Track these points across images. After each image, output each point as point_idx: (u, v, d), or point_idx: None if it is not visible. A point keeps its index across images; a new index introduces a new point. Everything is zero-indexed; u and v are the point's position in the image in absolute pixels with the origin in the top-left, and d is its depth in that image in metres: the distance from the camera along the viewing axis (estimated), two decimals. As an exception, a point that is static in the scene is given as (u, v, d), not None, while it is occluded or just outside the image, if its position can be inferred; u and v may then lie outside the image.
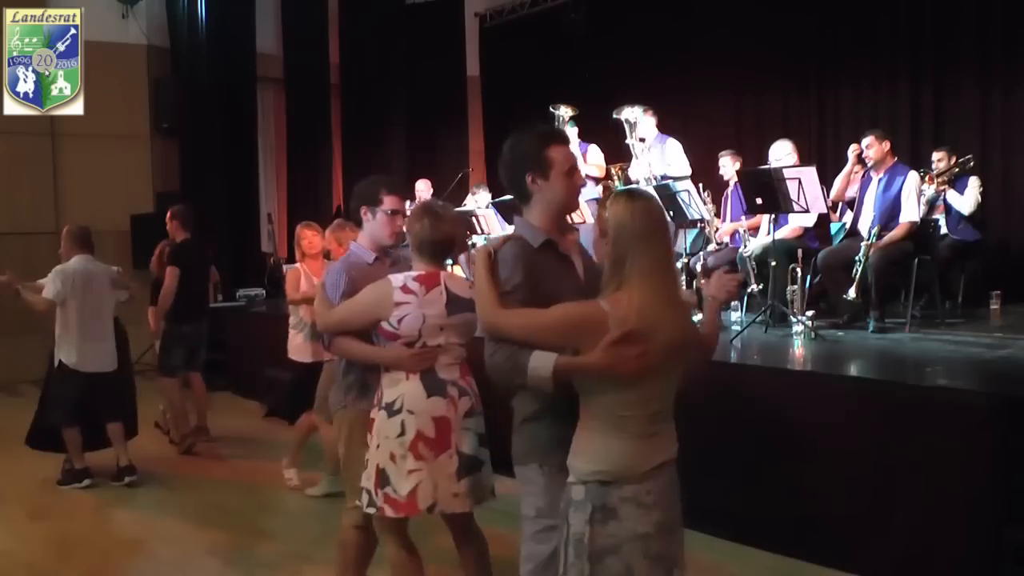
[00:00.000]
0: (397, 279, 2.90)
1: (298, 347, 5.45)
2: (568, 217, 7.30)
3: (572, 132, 7.61)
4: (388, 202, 3.18)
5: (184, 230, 6.37)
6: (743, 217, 6.61)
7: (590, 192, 7.49)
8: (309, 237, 5.51)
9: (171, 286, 6.12)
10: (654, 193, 6.32)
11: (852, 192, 6.07)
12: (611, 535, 2.15)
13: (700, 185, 6.66)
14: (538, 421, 2.43)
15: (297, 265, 5.52)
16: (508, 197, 8.03)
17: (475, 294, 2.45)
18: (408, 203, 9.30)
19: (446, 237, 2.94)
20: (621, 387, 2.15)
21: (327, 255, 5.46)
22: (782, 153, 6.15)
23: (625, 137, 7.12)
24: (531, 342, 2.21)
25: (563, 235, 2.55)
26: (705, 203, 6.66)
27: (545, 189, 2.46)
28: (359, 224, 3.30)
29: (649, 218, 2.19)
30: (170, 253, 6.31)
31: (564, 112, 7.56)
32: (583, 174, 7.51)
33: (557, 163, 2.45)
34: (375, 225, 3.21)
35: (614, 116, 7.15)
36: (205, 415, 6.49)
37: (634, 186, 2.39)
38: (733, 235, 6.87)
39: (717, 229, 6.80)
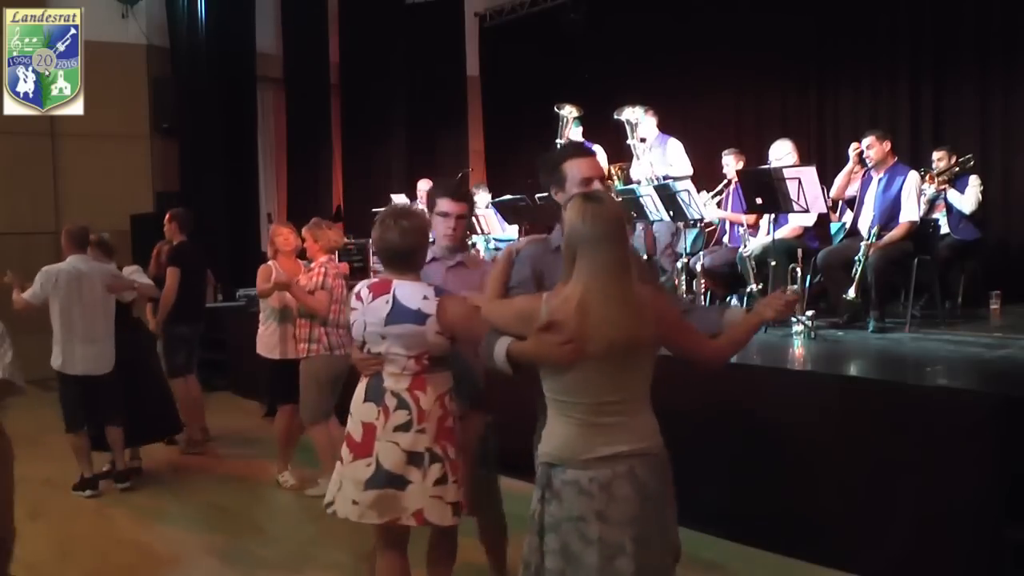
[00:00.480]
0: (359, 285, 2.97)
1: (266, 343, 5.48)
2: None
3: (576, 132, 7.61)
4: (440, 205, 3.24)
5: (182, 232, 6.39)
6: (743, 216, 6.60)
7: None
8: (284, 234, 5.55)
9: (172, 287, 6.14)
10: (652, 192, 6.34)
11: (852, 191, 6.06)
12: (552, 515, 2.30)
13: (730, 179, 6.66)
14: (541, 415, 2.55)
15: (270, 262, 5.57)
16: (508, 197, 8.07)
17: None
18: (412, 203, 9.35)
19: (389, 247, 2.90)
20: (556, 373, 2.32)
21: (302, 254, 5.54)
22: (782, 152, 6.16)
23: (626, 138, 7.11)
24: (504, 330, 2.43)
25: None
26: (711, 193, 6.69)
27: (564, 199, 2.71)
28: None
29: (599, 221, 2.30)
30: (169, 254, 6.33)
31: (569, 112, 7.54)
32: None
33: (570, 176, 2.73)
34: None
35: (615, 117, 7.15)
36: (203, 415, 6.50)
37: (593, 190, 2.50)
38: (732, 232, 6.85)
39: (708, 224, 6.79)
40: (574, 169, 2.72)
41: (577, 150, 2.87)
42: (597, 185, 2.73)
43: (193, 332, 6.44)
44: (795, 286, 5.53)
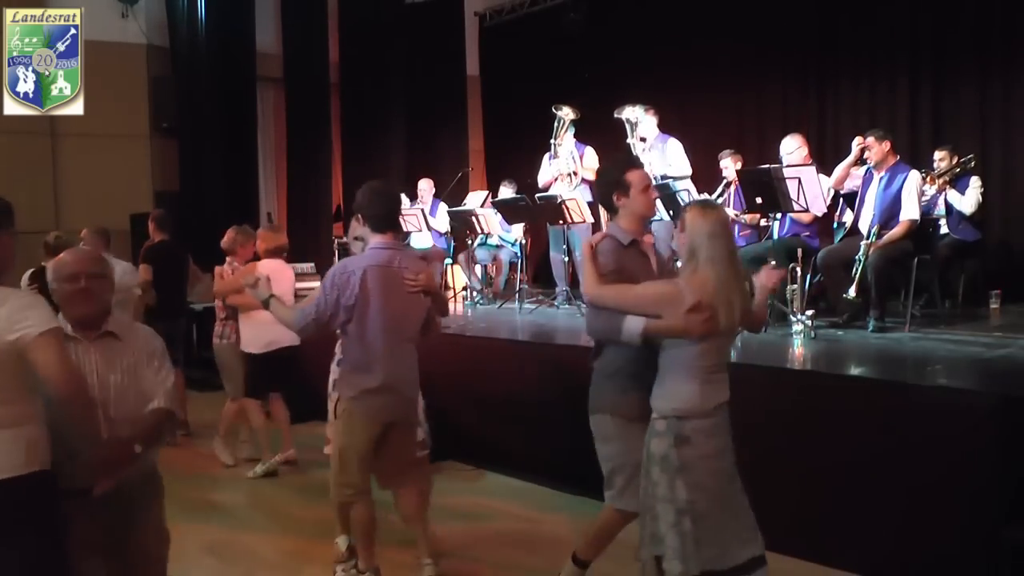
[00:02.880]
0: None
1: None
2: (569, 215, 7.31)
3: (569, 134, 7.61)
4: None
5: (161, 231, 6.57)
6: (743, 215, 6.59)
7: (585, 194, 7.48)
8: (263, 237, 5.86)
9: (144, 284, 6.30)
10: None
11: (852, 185, 6.04)
12: (685, 456, 2.84)
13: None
14: (611, 379, 3.19)
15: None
16: (509, 196, 8.07)
17: (582, 275, 3.34)
18: (410, 203, 9.31)
19: None
20: (690, 343, 2.87)
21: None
22: (792, 147, 6.14)
23: (626, 136, 7.11)
24: (623, 309, 2.96)
25: (642, 237, 3.31)
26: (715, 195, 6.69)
27: (627, 203, 3.26)
28: None
29: (715, 221, 2.89)
30: (143, 252, 6.53)
31: (566, 113, 7.55)
32: (580, 176, 7.53)
33: (634, 184, 3.24)
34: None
35: (615, 115, 7.14)
36: (184, 410, 6.56)
37: (705, 198, 3.04)
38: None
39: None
40: (636, 178, 3.25)
41: (634, 162, 3.44)
42: (652, 192, 3.33)
43: (171, 328, 6.47)
44: (795, 286, 5.53)
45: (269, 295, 3.65)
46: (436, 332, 3.95)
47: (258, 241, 5.73)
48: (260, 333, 5.53)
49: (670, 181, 6.64)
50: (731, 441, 2.97)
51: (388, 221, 3.68)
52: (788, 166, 5.73)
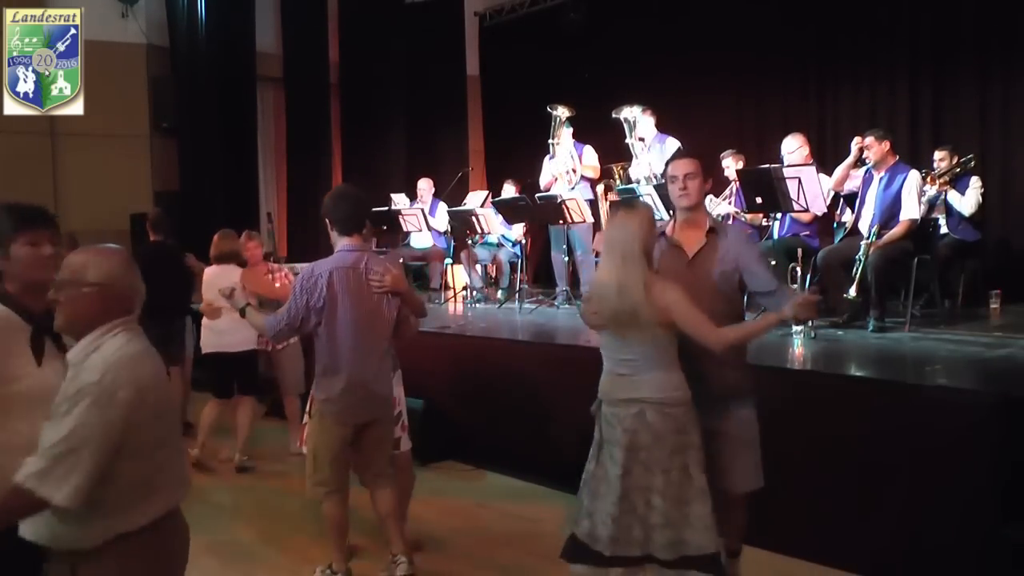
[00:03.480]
0: None
1: None
2: (570, 215, 7.28)
3: (567, 132, 7.61)
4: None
5: (155, 233, 6.59)
6: (744, 214, 6.59)
7: (585, 192, 7.48)
8: (251, 248, 5.94)
9: None
10: (652, 191, 6.34)
11: (852, 186, 6.04)
12: (598, 436, 3.07)
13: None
14: None
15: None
16: (508, 196, 8.07)
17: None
18: (411, 203, 9.30)
19: None
20: (597, 333, 3.11)
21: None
22: (793, 146, 6.14)
23: (625, 137, 7.12)
24: None
25: (682, 225, 3.28)
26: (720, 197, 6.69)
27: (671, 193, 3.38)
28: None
29: (618, 224, 3.01)
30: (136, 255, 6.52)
31: (561, 112, 7.57)
32: (579, 174, 7.54)
33: (668, 175, 3.33)
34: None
35: (613, 116, 7.15)
36: (184, 410, 6.58)
37: (630, 199, 3.14)
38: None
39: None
40: (670, 170, 3.30)
41: (679, 154, 3.48)
42: (688, 180, 3.22)
43: (169, 329, 6.48)
44: (795, 286, 5.52)
45: (245, 304, 3.80)
46: (410, 333, 3.94)
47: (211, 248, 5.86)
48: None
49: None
50: (666, 442, 2.90)
51: (353, 224, 3.73)
52: (788, 166, 5.73)
